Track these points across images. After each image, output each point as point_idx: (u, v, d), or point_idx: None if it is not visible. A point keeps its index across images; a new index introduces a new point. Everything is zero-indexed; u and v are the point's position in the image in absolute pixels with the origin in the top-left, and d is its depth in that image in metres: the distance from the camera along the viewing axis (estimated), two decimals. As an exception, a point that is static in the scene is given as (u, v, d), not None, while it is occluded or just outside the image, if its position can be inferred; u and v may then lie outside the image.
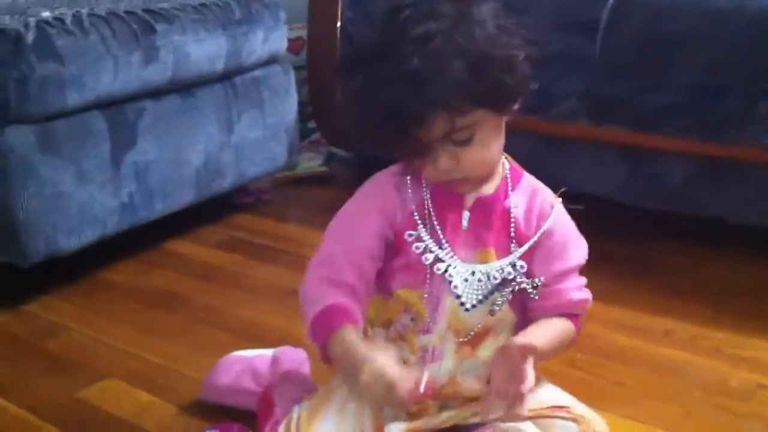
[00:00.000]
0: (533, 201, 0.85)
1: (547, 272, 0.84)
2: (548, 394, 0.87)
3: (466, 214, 0.83)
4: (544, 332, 0.84)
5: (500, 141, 0.81)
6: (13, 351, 1.24)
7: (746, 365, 1.16)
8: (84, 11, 1.37)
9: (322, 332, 0.79)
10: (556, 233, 0.85)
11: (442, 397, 0.87)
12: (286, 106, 1.77)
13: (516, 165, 0.88)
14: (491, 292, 0.83)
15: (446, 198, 0.83)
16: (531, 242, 0.84)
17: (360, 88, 0.77)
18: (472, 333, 0.84)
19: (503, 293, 0.83)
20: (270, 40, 1.69)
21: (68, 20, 1.33)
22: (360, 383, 0.74)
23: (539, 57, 0.77)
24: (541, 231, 0.84)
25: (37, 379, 1.16)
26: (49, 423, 1.05)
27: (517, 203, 0.85)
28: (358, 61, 0.79)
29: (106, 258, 1.51)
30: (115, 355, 1.22)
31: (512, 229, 0.84)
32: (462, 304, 0.83)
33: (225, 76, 1.63)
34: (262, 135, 1.71)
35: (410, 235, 0.82)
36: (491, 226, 0.83)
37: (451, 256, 0.82)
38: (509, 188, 0.85)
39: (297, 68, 1.89)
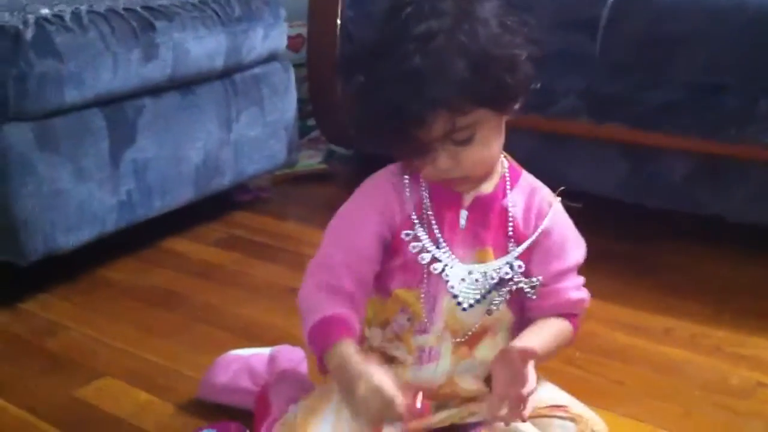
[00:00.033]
0: (532, 200, 0.85)
1: (545, 272, 0.84)
2: (546, 393, 0.86)
3: (464, 213, 0.83)
4: (543, 334, 0.83)
5: (500, 140, 0.81)
6: (12, 350, 1.24)
7: (746, 363, 1.16)
8: (83, 8, 1.36)
9: (320, 344, 0.79)
10: (554, 232, 0.85)
11: (439, 397, 0.87)
12: (286, 103, 1.76)
13: (515, 164, 0.87)
14: (488, 292, 0.82)
15: (444, 197, 0.83)
16: (529, 242, 0.83)
17: (361, 86, 0.77)
18: (470, 333, 0.84)
19: (501, 293, 0.83)
20: (270, 37, 1.68)
21: (67, 17, 1.32)
22: (356, 398, 0.74)
23: (540, 56, 0.77)
24: (539, 230, 0.84)
25: (35, 378, 1.16)
26: (47, 422, 1.05)
27: (515, 202, 0.84)
28: (359, 59, 0.79)
29: (104, 256, 1.51)
30: (113, 353, 1.22)
31: (510, 228, 0.84)
32: (459, 303, 0.82)
33: (225, 74, 1.62)
34: (262, 132, 1.71)
35: (407, 235, 0.82)
36: (489, 225, 0.83)
37: (449, 256, 0.82)
38: (508, 187, 0.85)
39: (297, 66, 1.89)
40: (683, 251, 1.51)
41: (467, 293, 0.82)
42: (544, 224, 0.84)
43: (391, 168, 0.85)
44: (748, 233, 1.48)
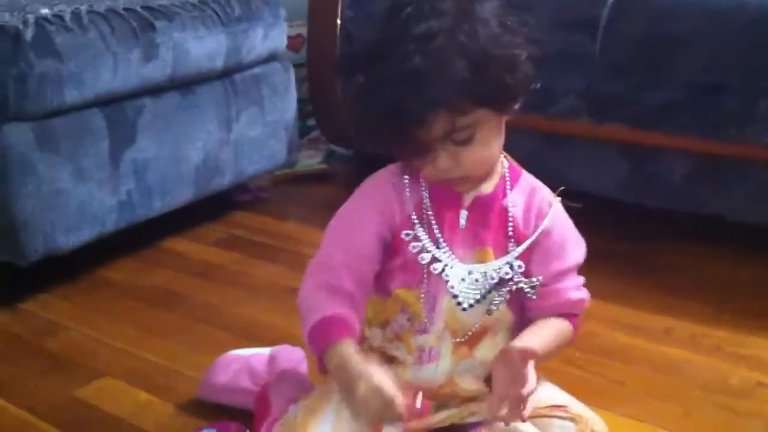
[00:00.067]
0: (532, 200, 0.85)
1: (545, 272, 0.84)
2: (546, 393, 0.86)
3: (464, 213, 0.83)
4: (543, 334, 0.83)
5: (500, 140, 0.81)
6: (12, 350, 1.24)
7: (746, 363, 1.16)
8: (83, 8, 1.36)
9: (320, 344, 0.79)
10: (554, 232, 0.84)
11: (439, 397, 0.87)
12: (286, 103, 1.76)
13: (515, 163, 0.87)
14: (488, 292, 0.82)
15: (444, 197, 0.83)
16: (529, 242, 0.83)
17: (361, 86, 0.77)
18: (470, 333, 0.84)
19: (501, 293, 0.83)
20: (270, 37, 1.68)
21: (67, 17, 1.32)
22: (356, 398, 0.74)
23: (540, 56, 0.77)
24: (539, 230, 0.84)
25: (35, 378, 1.16)
26: (47, 422, 1.05)
27: (515, 202, 0.84)
28: (359, 59, 0.79)
29: (104, 256, 1.50)
30: (113, 353, 1.22)
31: (510, 228, 0.84)
32: (459, 303, 0.82)
33: (225, 74, 1.62)
34: (262, 133, 1.71)
35: (407, 235, 0.82)
36: (489, 225, 0.83)
37: (449, 256, 0.82)
38: (508, 187, 0.85)
39: (297, 66, 1.89)
40: (683, 251, 1.51)
41: (467, 293, 0.82)
42: (544, 224, 0.84)
43: (391, 168, 0.85)
44: (748, 233, 1.48)
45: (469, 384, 0.86)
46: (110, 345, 1.24)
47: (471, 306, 0.82)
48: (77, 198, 1.36)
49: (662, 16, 1.45)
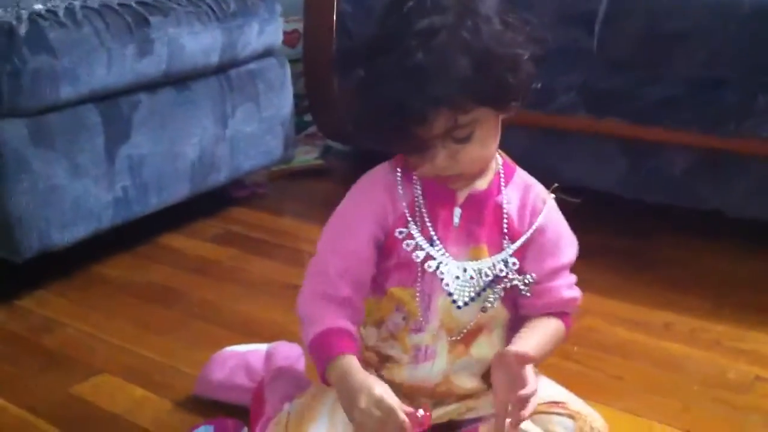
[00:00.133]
0: (526, 197, 0.84)
1: (539, 269, 0.83)
2: (544, 390, 0.86)
3: (457, 211, 0.82)
4: (538, 336, 0.83)
5: (497, 138, 0.80)
6: (9, 348, 1.23)
7: (745, 358, 1.16)
8: (77, 3, 1.36)
9: (322, 357, 0.79)
10: (548, 230, 0.84)
11: (436, 395, 0.86)
12: (282, 99, 1.75)
13: (509, 160, 0.86)
14: (483, 289, 0.82)
15: (438, 194, 0.82)
16: (523, 239, 0.83)
17: (361, 81, 0.76)
18: (465, 331, 0.83)
19: (495, 290, 0.82)
20: (265, 32, 1.67)
21: (61, 13, 1.31)
22: (357, 410, 0.74)
23: (542, 55, 0.76)
24: (534, 227, 0.83)
25: (33, 375, 1.15)
26: (46, 420, 1.05)
27: (510, 199, 0.84)
28: (358, 54, 0.78)
29: (100, 253, 1.50)
30: (110, 350, 1.21)
31: (505, 226, 0.83)
32: (454, 301, 0.82)
33: (220, 69, 1.61)
34: (258, 128, 1.70)
35: (401, 233, 0.82)
36: (483, 222, 0.83)
37: (443, 254, 0.81)
38: (502, 184, 0.84)
39: (293, 61, 1.88)
40: (683, 246, 1.50)
41: (462, 291, 0.82)
42: (539, 221, 0.83)
43: (385, 165, 0.85)
44: (747, 227, 1.48)
45: (466, 382, 0.86)
46: (107, 341, 1.23)
47: (466, 304, 0.82)
48: (72, 194, 1.35)
49: (661, 11, 1.44)
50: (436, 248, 0.81)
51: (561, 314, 0.87)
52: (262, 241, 1.60)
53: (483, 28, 0.73)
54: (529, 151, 1.40)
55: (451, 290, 0.81)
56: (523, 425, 0.79)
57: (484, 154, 0.79)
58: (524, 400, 0.75)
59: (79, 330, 1.27)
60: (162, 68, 1.47)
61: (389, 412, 0.73)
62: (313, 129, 2.12)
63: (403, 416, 0.74)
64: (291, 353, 1.06)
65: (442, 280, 0.81)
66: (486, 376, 0.85)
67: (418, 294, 0.82)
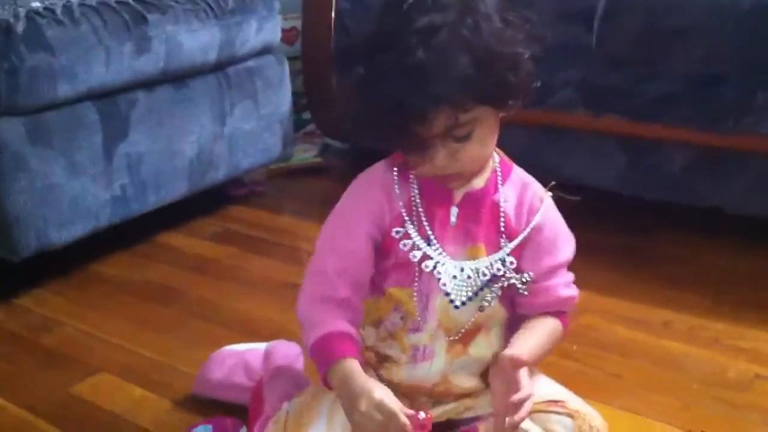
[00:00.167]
0: (523, 195, 0.84)
1: (536, 268, 0.83)
2: (543, 389, 0.86)
3: (454, 210, 0.82)
4: (535, 337, 0.83)
5: (496, 137, 0.80)
6: (7, 346, 1.23)
7: (744, 356, 1.16)
8: (74, 1, 1.35)
9: (323, 361, 0.79)
10: (545, 228, 0.84)
11: (434, 394, 0.86)
12: (280, 97, 1.75)
13: (505, 158, 0.86)
14: (480, 289, 0.82)
15: (435, 194, 0.82)
16: (520, 238, 0.82)
17: (361, 79, 0.76)
18: (463, 330, 0.83)
19: (493, 289, 0.82)
20: (264, 30, 1.67)
21: (59, 10, 1.31)
22: (359, 414, 0.74)
23: (542, 54, 0.76)
24: (531, 226, 0.83)
25: (32, 375, 1.15)
26: (45, 420, 1.04)
27: (507, 197, 0.83)
28: (358, 51, 0.77)
29: (98, 251, 1.50)
30: (108, 349, 1.21)
31: (502, 224, 0.83)
32: (451, 301, 0.81)
33: (218, 67, 1.61)
34: (256, 126, 1.70)
35: (397, 233, 0.81)
36: (480, 220, 0.82)
37: (440, 253, 0.81)
38: (499, 182, 0.84)
39: (291, 59, 1.88)
40: (682, 243, 1.50)
41: (459, 291, 0.81)
42: (536, 220, 0.83)
43: (382, 164, 0.84)
44: (746, 224, 1.48)
45: (464, 381, 0.86)
46: (105, 340, 1.23)
47: (463, 303, 0.82)
48: (70, 193, 1.35)
49: (659, 8, 1.44)
50: (433, 248, 0.81)
51: (558, 313, 0.86)
52: (261, 240, 1.60)
53: (483, 26, 0.73)
54: (528, 149, 1.40)
55: (449, 290, 0.81)
56: (523, 424, 0.79)
57: (483, 153, 0.79)
58: (518, 405, 0.75)
59: (77, 329, 1.27)
60: (160, 66, 1.46)
61: (390, 415, 0.73)
62: (311, 127, 2.11)
63: (404, 419, 0.74)
64: (290, 352, 1.05)
65: (439, 279, 0.81)
66: (484, 375, 0.85)
67: (415, 294, 0.82)
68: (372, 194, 0.82)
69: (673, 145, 1.48)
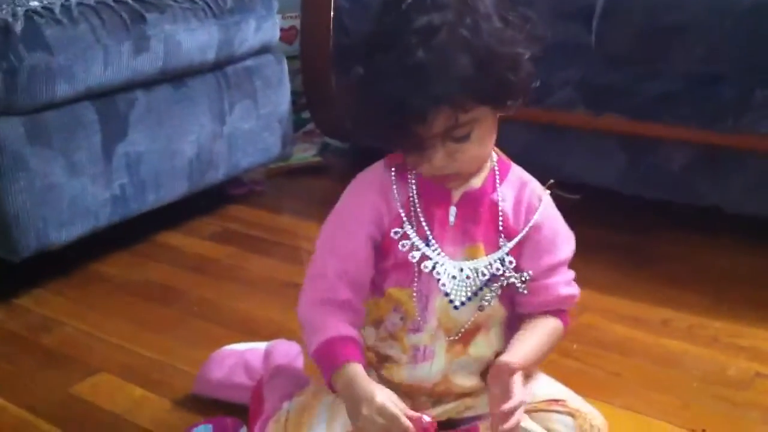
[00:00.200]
0: (522, 194, 0.84)
1: (535, 266, 0.83)
2: (543, 388, 0.86)
3: (453, 210, 0.82)
4: (534, 340, 0.83)
5: (494, 137, 0.80)
6: (7, 346, 1.23)
7: (744, 354, 1.16)
8: (73, 0, 1.35)
9: (327, 366, 0.80)
10: (545, 227, 0.84)
11: (434, 394, 0.86)
12: (280, 96, 1.75)
13: (503, 157, 0.86)
14: (480, 289, 0.82)
15: (433, 194, 0.82)
16: (519, 237, 0.82)
17: (360, 79, 0.75)
18: (463, 330, 0.83)
19: (492, 289, 0.82)
20: (262, 29, 1.67)
21: (57, 10, 1.31)
22: (362, 416, 0.75)
23: (542, 53, 0.76)
24: (530, 225, 0.83)
25: (32, 375, 1.15)
26: (45, 420, 1.04)
27: (505, 196, 0.83)
28: (357, 51, 0.77)
29: (98, 251, 1.49)
30: (108, 349, 1.21)
31: (501, 223, 0.83)
32: (451, 301, 0.81)
33: (217, 66, 1.61)
34: (256, 125, 1.70)
35: (396, 233, 0.81)
36: (479, 220, 0.82)
37: (438, 253, 0.81)
38: (497, 181, 0.84)
39: (290, 58, 1.87)
40: (681, 242, 1.50)
41: (459, 291, 0.81)
42: (535, 218, 0.83)
43: (380, 165, 0.84)
44: (746, 223, 1.48)
45: (464, 381, 0.86)
46: (105, 340, 1.23)
47: (463, 303, 0.82)
48: (70, 192, 1.35)
49: (659, 6, 1.44)
50: (432, 248, 0.81)
51: (558, 311, 0.86)
52: (261, 239, 1.60)
53: (483, 26, 0.72)
54: (528, 148, 1.40)
55: (448, 290, 0.81)
56: (524, 423, 0.79)
57: (481, 153, 0.79)
58: (508, 413, 0.75)
59: (77, 329, 1.27)
60: (159, 65, 1.46)
61: (392, 419, 0.74)
62: (310, 126, 2.11)
63: (406, 422, 0.74)
64: (290, 351, 1.05)
65: (438, 280, 0.81)
66: (485, 375, 0.85)
67: (415, 294, 0.82)
68: (370, 195, 0.82)
69: (672, 144, 1.48)
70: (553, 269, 0.84)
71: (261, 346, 1.07)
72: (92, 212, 1.39)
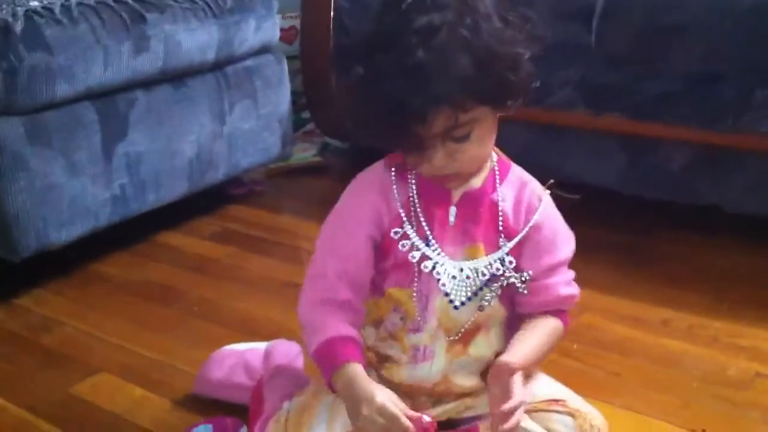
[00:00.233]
0: (522, 194, 0.84)
1: (535, 266, 0.83)
2: (543, 388, 0.86)
3: (453, 210, 0.82)
4: (533, 341, 0.83)
5: (494, 137, 0.80)
6: (7, 346, 1.23)
7: (744, 354, 1.16)
8: (73, 0, 1.35)
9: (327, 366, 0.80)
10: (544, 227, 0.84)
11: (434, 394, 0.86)
12: (279, 96, 1.75)
13: (503, 156, 0.86)
14: (480, 289, 0.82)
15: (433, 194, 0.82)
16: (519, 237, 0.82)
17: (360, 78, 0.75)
18: (463, 330, 0.83)
19: (492, 289, 0.82)
20: (262, 29, 1.67)
21: (57, 10, 1.31)
22: (362, 416, 0.75)
23: (542, 53, 0.76)
24: (530, 225, 0.83)
25: (32, 375, 1.15)
26: (45, 420, 1.04)
27: (505, 196, 0.83)
28: (357, 51, 0.77)
29: (98, 251, 1.49)
30: (108, 349, 1.21)
31: (501, 223, 0.83)
32: (451, 301, 0.81)
33: (217, 66, 1.61)
34: (255, 125, 1.70)
35: (396, 233, 0.81)
36: (479, 220, 0.82)
37: (438, 253, 0.81)
38: (497, 181, 0.84)
39: (290, 58, 1.87)
40: (681, 242, 1.50)
41: (459, 291, 0.81)
42: (535, 218, 0.83)
43: (380, 165, 0.84)
44: (745, 223, 1.48)
45: (465, 381, 0.86)
46: (105, 340, 1.23)
47: (463, 303, 0.82)
48: (70, 192, 1.35)
49: (659, 6, 1.44)
50: (432, 248, 0.81)
51: (559, 312, 0.86)
52: (261, 239, 1.60)
53: (483, 26, 0.72)
54: (528, 148, 1.40)
55: (448, 290, 0.81)
56: (524, 423, 0.79)
57: (481, 153, 0.79)
58: (508, 414, 0.75)
59: (77, 329, 1.27)
60: (158, 65, 1.46)
61: (392, 419, 0.74)
62: (310, 126, 2.11)
63: (406, 422, 0.74)
64: (290, 351, 1.05)
65: (438, 280, 0.81)
66: (485, 375, 0.85)
67: (415, 294, 0.82)
68: (370, 195, 0.82)
69: (672, 144, 1.48)
70: (553, 269, 0.84)
71: (261, 346, 1.07)
72: (92, 212, 1.39)
